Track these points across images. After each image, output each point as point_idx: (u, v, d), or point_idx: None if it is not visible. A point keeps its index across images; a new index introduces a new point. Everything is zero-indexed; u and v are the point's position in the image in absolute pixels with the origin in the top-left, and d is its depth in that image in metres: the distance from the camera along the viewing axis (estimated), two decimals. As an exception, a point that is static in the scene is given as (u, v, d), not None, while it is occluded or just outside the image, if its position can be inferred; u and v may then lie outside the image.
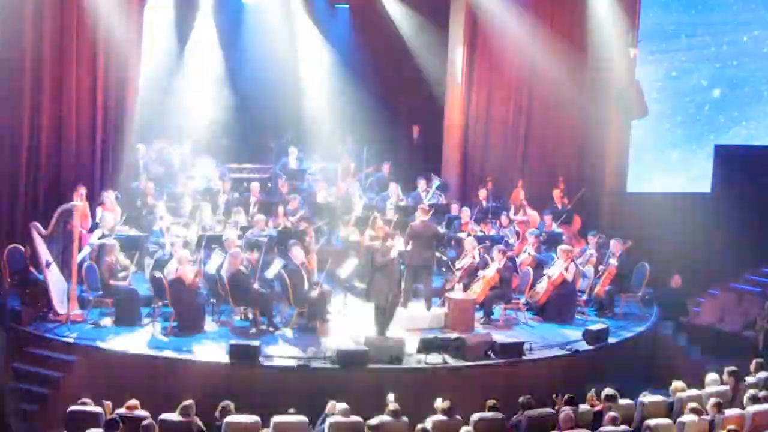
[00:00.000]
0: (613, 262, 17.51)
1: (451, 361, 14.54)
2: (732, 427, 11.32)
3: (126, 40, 18.35)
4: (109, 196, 17.60)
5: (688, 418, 11.87)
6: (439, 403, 12.11)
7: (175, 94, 21.56)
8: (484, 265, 16.81)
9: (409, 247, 15.98)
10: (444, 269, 17.86)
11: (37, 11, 17.62)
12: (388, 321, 15.14)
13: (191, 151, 21.31)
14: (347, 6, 23.53)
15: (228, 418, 11.50)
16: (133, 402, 11.69)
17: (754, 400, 12.46)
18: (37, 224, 15.70)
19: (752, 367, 14.12)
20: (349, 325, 15.96)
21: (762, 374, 13.81)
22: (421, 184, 20.57)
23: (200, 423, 11.59)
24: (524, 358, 14.95)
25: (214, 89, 22.22)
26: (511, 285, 16.99)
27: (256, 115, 22.69)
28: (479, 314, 16.56)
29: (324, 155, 22.68)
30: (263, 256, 16.20)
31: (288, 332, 15.56)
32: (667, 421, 12.05)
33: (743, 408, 12.36)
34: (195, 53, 22.06)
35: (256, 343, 14.32)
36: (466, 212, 19.11)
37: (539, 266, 17.44)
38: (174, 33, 21.90)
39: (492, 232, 18.79)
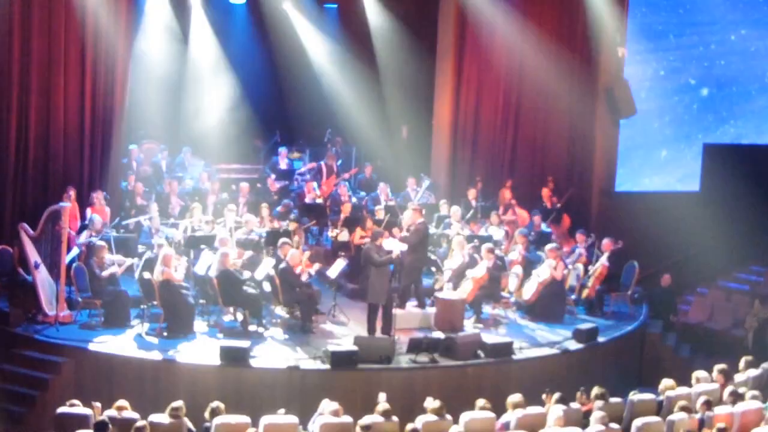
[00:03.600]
0: (604, 261, 17.53)
1: (441, 361, 14.55)
2: (721, 425, 11.34)
3: (115, 42, 18.34)
4: (98, 196, 17.57)
5: (677, 416, 11.89)
6: (429, 402, 12.11)
7: (165, 95, 21.55)
8: (473, 264, 16.80)
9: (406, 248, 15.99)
10: (433, 269, 17.86)
11: (25, 14, 17.59)
12: (389, 320, 15.14)
13: (189, 152, 21.29)
14: (336, 6, 23.53)
15: (217, 419, 11.47)
16: (123, 403, 11.67)
17: (737, 396, 12.52)
18: (26, 225, 15.67)
19: (741, 365, 14.16)
20: (338, 325, 15.97)
21: (751, 372, 13.84)
22: (411, 183, 20.56)
23: (190, 424, 11.59)
24: (514, 357, 14.97)
25: (204, 90, 22.22)
26: (501, 284, 17.00)
27: (245, 115, 22.65)
28: (469, 314, 16.56)
29: (313, 155, 22.68)
30: (253, 256, 16.19)
31: (278, 333, 15.55)
32: (657, 419, 12.08)
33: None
34: (185, 54, 22.02)
35: (246, 344, 14.31)
36: (456, 211, 19.09)
37: (528, 265, 17.45)
38: (164, 33, 21.85)
39: (481, 232, 18.78)
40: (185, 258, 16.28)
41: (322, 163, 21.53)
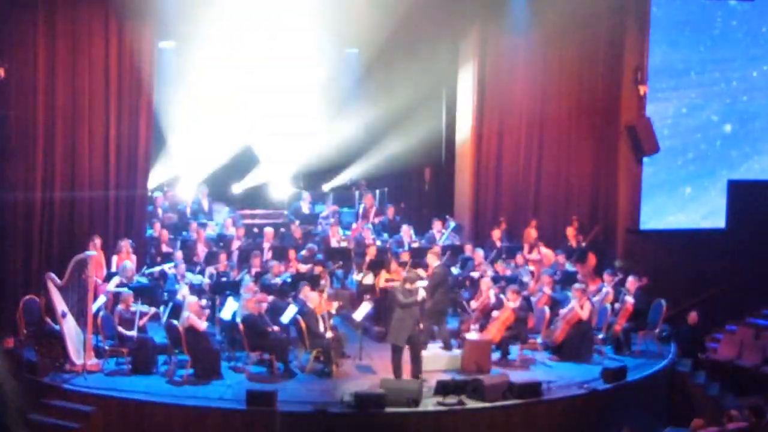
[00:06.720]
0: (629, 299, 17.44)
1: (469, 403, 14.47)
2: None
3: (138, 89, 18.52)
4: (125, 244, 17.66)
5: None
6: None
7: (187, 141, 21.68)
8: (500, 305, 16.76)
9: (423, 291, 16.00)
10: (459, 310, 17.82)
11: (50, 64, 17.82)
12: (419, 363, 15.10)
13: (207, 197, 21.34)
14: (357, 51, 23.66)
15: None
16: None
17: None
18: (53, 275, 15.75)
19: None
20: (364, 368, 15.94)
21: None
22: (436, 225, 20.57)
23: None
24: (542, 398, 14.87)
25: (226, 136, 22.32)
26: (527, 325, 16.94)
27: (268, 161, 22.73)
28: (496, 355, 16.50)
29: (336, 199, 22.74)
30: (278, 301, 16.21)
31: (304, 377, 15.53)
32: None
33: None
34: (205, 100, 22.15)
35: (272, 388, 14.30)
36: (480, 253, 19.08)
37: (554, 305, 17.40)
38: (183, 81, 22.01)
39: (507, 272, 18.74)
40: (209, 303, 16.31)
41: (361, 206, 21.62)
